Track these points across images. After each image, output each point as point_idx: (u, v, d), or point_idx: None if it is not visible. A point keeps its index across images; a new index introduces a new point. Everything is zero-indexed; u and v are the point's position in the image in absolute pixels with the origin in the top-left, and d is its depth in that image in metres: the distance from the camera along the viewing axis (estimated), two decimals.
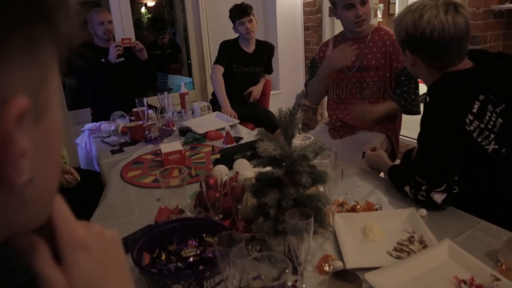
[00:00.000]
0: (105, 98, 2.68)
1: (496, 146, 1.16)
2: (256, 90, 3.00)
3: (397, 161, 1.90)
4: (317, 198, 0.89)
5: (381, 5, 8.20)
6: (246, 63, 2.92)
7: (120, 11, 3.42)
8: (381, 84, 1.93)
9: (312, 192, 0.92)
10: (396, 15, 1.34)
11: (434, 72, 1.26)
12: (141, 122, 2.08)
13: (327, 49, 2.00)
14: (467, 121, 1.14)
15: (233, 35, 2.98)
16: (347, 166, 1.60)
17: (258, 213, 0.96)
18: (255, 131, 3.01)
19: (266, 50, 3.04)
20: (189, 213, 1.18)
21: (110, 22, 2.72)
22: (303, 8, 4.14)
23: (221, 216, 1.10)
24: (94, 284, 0.37)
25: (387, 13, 8.81)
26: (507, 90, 1.18)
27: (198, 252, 0.97)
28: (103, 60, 2.64)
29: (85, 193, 1.71)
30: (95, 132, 2.23)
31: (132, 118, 2.26)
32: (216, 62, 2.89)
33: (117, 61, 2.61)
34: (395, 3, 7.84)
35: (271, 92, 4.05)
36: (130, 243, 0.94)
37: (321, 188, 1.03)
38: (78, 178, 1.80)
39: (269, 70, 3.17)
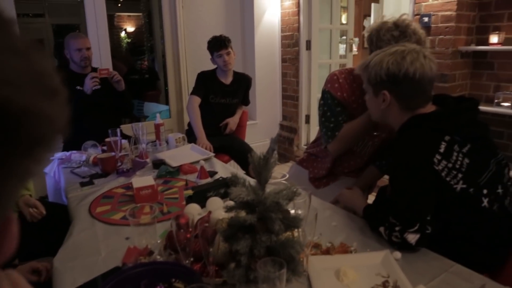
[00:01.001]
0: (78, 126, 2.60)
1: (464, 186, 1.19)
2: (232, 122, 3.00)
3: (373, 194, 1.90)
4: (290, 245, 0.87)
5: (356, 39, 8.50)
6: (223, 95, 2.93)
7: (98, 38, 3.40)
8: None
9: (285, 237, 0.91)
10: (365, 61, 1.38)
11: (405, 114, 1.31)
12: (113, 153, 2.03)
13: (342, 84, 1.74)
14: (435, 160, 1.18)
15: (211, 65, 3.00)
16: (322, 206, 1.60)
17: (229, 258, 0.93)
18: (230, 163, 3.00)
19: (243, 82, 3.06)
20: (158, 256, 1.13)
21: (88, 49, 2.68)
22: (281, 41, 4.24)
23: (192, 259, 1.06)
24: None
25: (362, 46, 9.14)
26: (469, 131, 1.24)
27: None
28: (78, 87, 2.58)
29: (51, 228, 1.64)
30: (64, 161, 2.15)
31: (105, 148, 2.20)
32: (192, 93, 2.88)
33: (93, 90, 2.56)
34: None
35: (248, 123, 4.08)
36: None
37: (293, 231, 1.02)
38: (44, 212, 1.72)
39: (246, 101, 3.19)
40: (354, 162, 1.89)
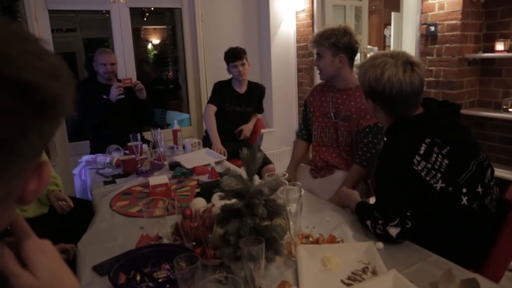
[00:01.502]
0: (104, 132, 2.86)
1: (443, 185, 1.28)
2: (246, 129, 3.17)
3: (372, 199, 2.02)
4: (273, 228, 1.02)
5: (375, 48, 8.53)
6: (238, 103, 3.11)
7: (124, 50, 3.66)
8: (348, 135, 2.10)
9: (270, 223, 1.05)
10: (360, 63, 1.50)
11: (391, 119, 1.42)
12: (134, 156, 2.23)
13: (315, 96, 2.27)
14: (415, 161, 1.27)
15: (229, 75, 3.19)
16: (319, 202, 1.74)
17: (223, 240, 1.08)
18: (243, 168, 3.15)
19: (257, 91, 3.23)
20: (166, 240, 1.30)
21: (113, 64, 2.94)
22: (297, 52, 4.39)
23: (194, 243, 1.22)
24: (54, 278, 0.48)
25: None
26: (449, 134, 1.33)
27: (169, 274, 1.09)
28: (105, 96, 2.83)
29: (77, 220, 1.84)
30: (91, 163, 2.38)
31: (127, 151, 2.41)
32: (209, 102, 3.08)
33: (118, 98, 2.80)
34: (390, 46, 8.17)
35: (265, 130, 4.24)
36: (107, 266, 1.07)
37: (281, 221, 1.16)
38: (72, 204, 1.94)
39: (260, 109, 3.36)
40: (334, 154, 2.17)
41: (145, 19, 6.88)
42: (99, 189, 1.96)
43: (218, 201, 1.45)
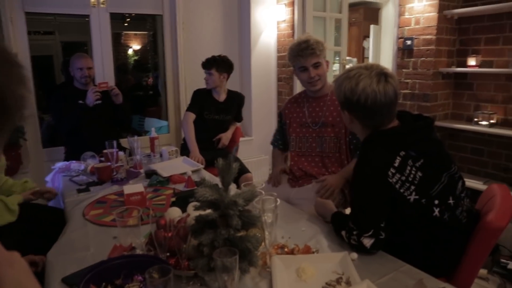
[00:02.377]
0: (79, 138, 2.81)
1: (417, 197, 1.29)
2: (225, 137, 3.16)
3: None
4: (247, 239, 1.01)
5: (355, 59, 8.70)
6: (217, 111, 3.11)
7: (102, 55, 3.61)
8: (337, 140, 2.10)
9: (244, 234, 1.05)
10: (336, 77, 1.53)
11: (367, 130, 1.43)
12: (109, 163, 2.19)
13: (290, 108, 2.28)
14: (390, 174, 1.29)
15: (204, 85, 3.19)
16: (295, 212, 1.75)
17: (197, 251, 1.07)
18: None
19: (236, 100, 3.24)
20: (139, 251, 1.27)
21: (90, 68, 2.89)
22: (277, 61, 4.43)
23: (168, 254, 1.20)
24: None
25: None
26: (423, 147, 1.35)
27: (142, 286, 1.06)
28: (81, 101, 2.78)
29: (48, 229, 1.79)
30: (64, 170, 2.32)
31: (102, 159, 2.37)
32: (188, 109, 3.07)
33: (95, 103, 2.76)
34: (368, 57, 8.35)
35: (244, 139, 4.24)
36: (77, 278, 1.04)
37: (257, 232, 1.16)
38: (57, 192, 2.03)
39: (238, 118, 3.36)
40: (312, 163, 2.18)
41: (126, 24, 6.82)
42: (72, 197, 1.91)
43: (193, 211, 1.44)
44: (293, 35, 4.15)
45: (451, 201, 1.35)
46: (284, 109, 2.33)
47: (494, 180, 2.88)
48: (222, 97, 3.14)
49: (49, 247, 1.40)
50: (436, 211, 1.31)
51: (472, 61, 2.86)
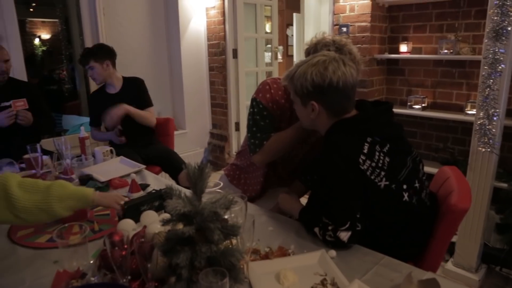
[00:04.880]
0: None
1: (387, 183, 1.28)
2: (129, 108, 2.79)
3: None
4: (230, 253, 0.88)
5: (281, 47, 8.79)
6: (113, 106, 2.76)
7: (8, 44, 3.13)
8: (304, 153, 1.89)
9: (225, 246, 0.91)
10: (289, 72, 1.43)
11: (332, 120, 1.38)
12: (33, 171, 1.88)
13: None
14: (360, 161, 1.25)
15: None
16: (255, 209, 1.63)
17: (169, 272, 0.91)
18: (161, 174, 2.93)
19: (133, 86, 2.93)
20: (92, 278, 1.07)
21: (6, 61, 2.47)
22: (208, 50, 4.25)
23: (129, 277, 1.03)
24: None
25: (286, 54, 9.48)
26: (387, 131, 1.35)
27: None
28: None
29: None
30: None
31: (23, 165, 2.03)
32: (90, 125, 2.88)
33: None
34: (292, 45, 8.51)
35: (177, 132, 4.03)
36: None
37: (232, 240, 1.03)
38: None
39: (145, 103, 2.96)
40: (286, 169, 1.92)
41: (31, 10, 6.09)
42: None
43: (151, 222, 1.26)
44: (223, 22, 4.01)
45: (416, 185, 1.36)
46: (265, 92, 1.74)
47: (427, 160, 3.05)
48: (116, 88, 2.89)
49: None
50: (405, 195, 1.31)
51: (403, 48, 2.97)
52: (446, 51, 2.78)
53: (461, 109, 2.84)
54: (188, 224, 0.89)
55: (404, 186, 1.32)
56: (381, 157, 1.29)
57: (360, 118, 1.37)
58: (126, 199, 1.46)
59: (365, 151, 1.27)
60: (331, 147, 1.33)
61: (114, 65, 2.86)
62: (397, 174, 1.31)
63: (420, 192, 1.37)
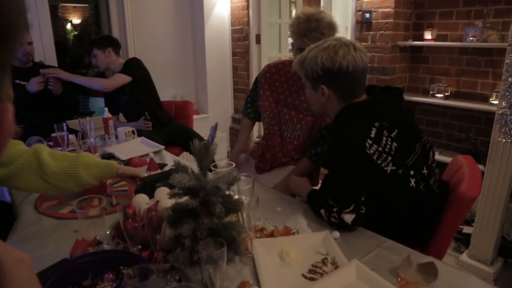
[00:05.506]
0: (22, 122, 2.54)
1: (394, 168, 1.29)
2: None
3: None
4: (231, 227, 0.93)
5: None
6: (122, 92, 2.91)
7: (40, 29, 3.27)
8: (311, 130, 1.95)
9: (227, 220, 0.97)
10: (300, 56, 1.45)
11: (341, 104, 1.40)
12: (60, 148, 1.99)
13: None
14: (367, 145, 1.27)
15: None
16: (267, 191, 1.68)
17: (175, 243, 0.97)
18: (182, 156, 3.01)
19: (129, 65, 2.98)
20: (106, 246, 1.15)
21: (30, 43, 2.61)
22: (231, 35, 4.27)
23: (140, 247, 1.10)
24: None
25: None
26: (396, 117, 1.35)
27: (114, 286, 0.95)
28: (18, 81, 2.50)
29: None
30: None
31: (51, 143, 2.15)
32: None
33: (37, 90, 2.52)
34: None
35: (200, 116, 4.11)
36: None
37: (239, 216, 1.08)
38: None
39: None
40: (290, 148, 2.01)
41: None
42: None
43: (163, 198, 1.33)
44: (247, 8, 4.01)
45: (425, 171, 1.36)
46: (262, 76, 2.07)
47: (448, 150, 3.00)
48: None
49: None
50: (412, 181, 1.32)
51: (428, 35, 2.91)
52: (472, 38, 2.70)
53: (485, 99, 2.77)
54: (193, 197, 0.94)
55: (412, 172, 1.32)
56: (389, 142, 1.30)
57: (368, 102, 1.38)
58: (146, 175, 1.54)
59: (372, 135, 1.29)
60: (339, 131, 1.35)
61: (116, 53, 2.94)
62: (404, 159, 1.32)
63: (428, 179, 1.37)
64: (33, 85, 2.50)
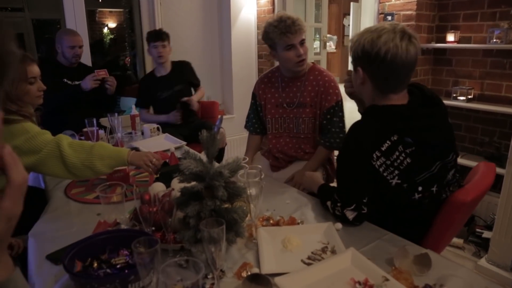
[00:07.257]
0: (58, 116, 2.74)
1: (399, 181, 1.27)
2: (191, 100, 3.12)
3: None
4: (233, 210, 1.02)
5: (335, 37, 8.69)
6: (165, 87, 3.11)
7: (77, 31, 3.47)
8: (315, 120, 2.08)
9: (231, 205, 1.05)
10: (354, 35, 1.36)
11: (377, 95, 1.33)
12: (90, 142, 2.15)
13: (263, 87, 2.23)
14: (374, 156, 1.25)
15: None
16: (279, 185, 1.76)
17: (183, 224, 1.07)
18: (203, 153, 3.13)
19: (182, 68, 3.23)
20: (124, 226, 1.27)
21: (81, 47, 2.84)
22: (257, 38, 4.37)
23: (153, 228, 1.20)
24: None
25: (342, 44, 9.34)
26: (420, 136, 1.27)
27: (128, 259, 1.06)
28: (65, 80, 2.72)
29: (28, 209, 1.75)
30: None
31: (82, 137, 2.32)
32: (136, 105, 3.07)
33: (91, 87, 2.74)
34: (348, 35, 8.36)
35: (225, 117, 4.22)
36: (62, 254, 1.03)
37: (242, 204, 1.16)
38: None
39: (195, 83, 3.33)
40: (299, 142, 2.14)
41: (100, 0, 6.59)
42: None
43: (177, 185, 1.44)
44: (273, 11, 4.10)
45: (434, 189, 1.31)
46: (257, 89, 2.24)
47: (471, 154, 2.97)
48: (167, 70, 3.16)
49: (28, 228, 1.37)
50: (417, 196, 1.29)
51: (451, 37, 2.89)
52: (496, 40, 2.67)
53: (511, 102, 2.72)
54: (199, 182, 1.04)
55: (419, 188, 1.28)
56: (401, 158, 1.25)
57: (396, 112, 1.28)
58: (158, 156, 1.65)
59: (383, 149, 1.25)
60: (354, 131, 1.33)
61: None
62: (414, 175, 1.27)
63: (437, 196, 1.33)
64: (88, 83, 2.70)
